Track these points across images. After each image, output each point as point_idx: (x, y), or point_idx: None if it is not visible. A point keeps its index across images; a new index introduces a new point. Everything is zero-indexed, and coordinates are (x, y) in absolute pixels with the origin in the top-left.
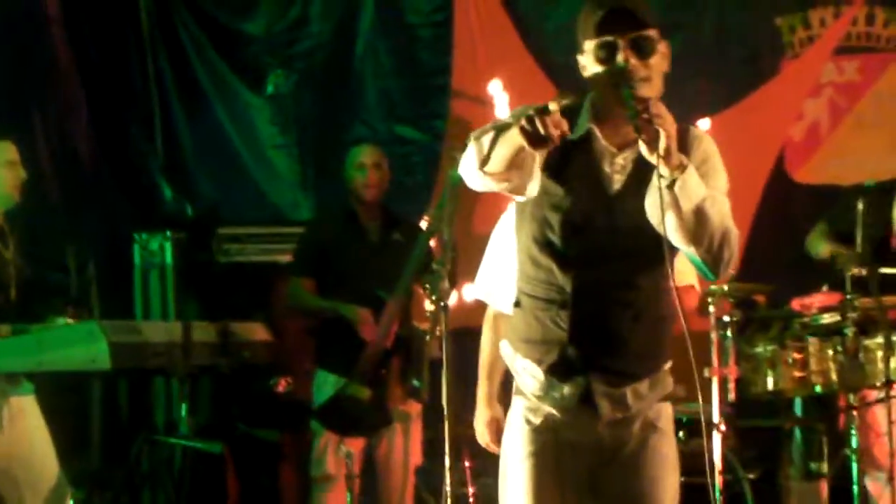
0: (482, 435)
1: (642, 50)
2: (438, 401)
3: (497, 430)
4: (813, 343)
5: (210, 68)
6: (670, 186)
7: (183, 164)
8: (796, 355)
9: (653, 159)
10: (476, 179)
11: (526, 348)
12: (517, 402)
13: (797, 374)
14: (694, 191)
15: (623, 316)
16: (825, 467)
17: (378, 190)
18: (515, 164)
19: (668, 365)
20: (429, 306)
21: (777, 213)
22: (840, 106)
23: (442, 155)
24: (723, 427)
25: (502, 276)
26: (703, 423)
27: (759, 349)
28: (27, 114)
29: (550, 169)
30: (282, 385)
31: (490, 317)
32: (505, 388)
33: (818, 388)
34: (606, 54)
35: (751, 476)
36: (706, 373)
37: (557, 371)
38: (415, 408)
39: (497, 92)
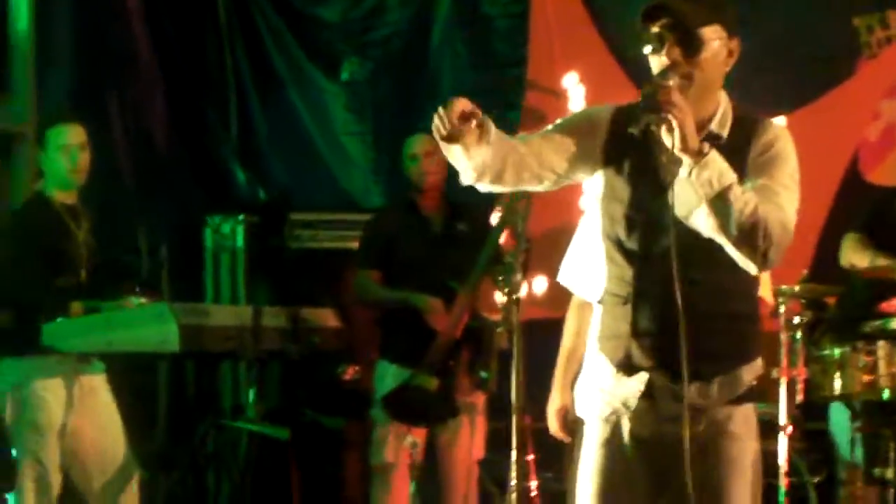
0: (552, 422)
1: (683, 44)
2: (505, 393)
3: (563, 419)
4: (883, 347)
5: (285, 54)
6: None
7: (257, 149)
8: (866, 358)
9: (672, 149)
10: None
11: (600, 343)
12: (594, 397)
13: (866, 377)
14: (714, 175)
15: (684, 313)
16: (890, 473)
17: (435, 178)
18: (486, 163)
19: (747, 367)
20: (500, 298)
21: (851, 214)
22: None
23: None
24: (790, 429)
25: (587, 265)
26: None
27: (828, 351)
28: (103, 97)
29: (612, 163)
30: (349, 373)
31: (574, 305)
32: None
33: (886, 393)
34: (653, 44)
35: (816, 479)
36: (774, 373)
37: (623, 366)
38: (481, 399)
39: (572, 85)
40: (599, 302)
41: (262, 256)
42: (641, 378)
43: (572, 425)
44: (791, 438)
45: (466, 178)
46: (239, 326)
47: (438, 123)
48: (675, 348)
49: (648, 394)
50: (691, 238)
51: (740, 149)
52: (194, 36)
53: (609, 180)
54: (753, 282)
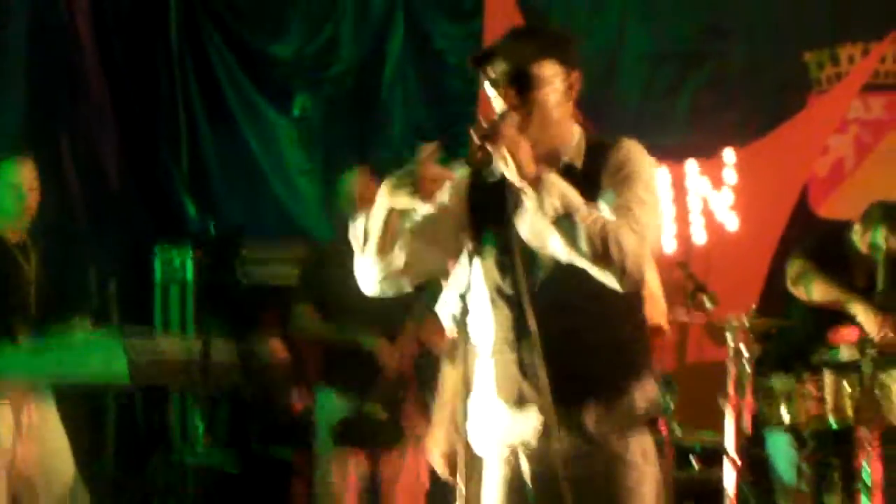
0: (439, 465)
1: (515, 84)
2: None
3: (452, 462)
4: (829, 377)
5: (237, 89)
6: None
7: (208, 182)
8: (812, 389)
9: (510, 179)
10: (372, 276)
11: (497, 390)
12: (490, 446)
13: (813, 407)
14: (558, 200)
15: (563, 339)
16: (836, 501)
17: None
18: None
19: (639, 392)
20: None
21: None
22: (865, 142)
23: None
24: (737, 459)
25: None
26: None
27: (775, 382)
28: (55, 128)
29: (478, 216)
30: (299, 405)
31: (450, 347)
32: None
33: (834, 423)
34: (491, 87)
35: None
36: (721, 404)
37: (517, 405)
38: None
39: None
40: (492, 349)
41: (213, 291)
42: (536, 415)
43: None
44: (739, 468)
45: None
46: (189, 361)
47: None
48: (562, 377)
49: (545, 430)
50: (564, 269)
51: (595, 173)
52: (146, 69)
53: (477, 230)
54: (635, 307)
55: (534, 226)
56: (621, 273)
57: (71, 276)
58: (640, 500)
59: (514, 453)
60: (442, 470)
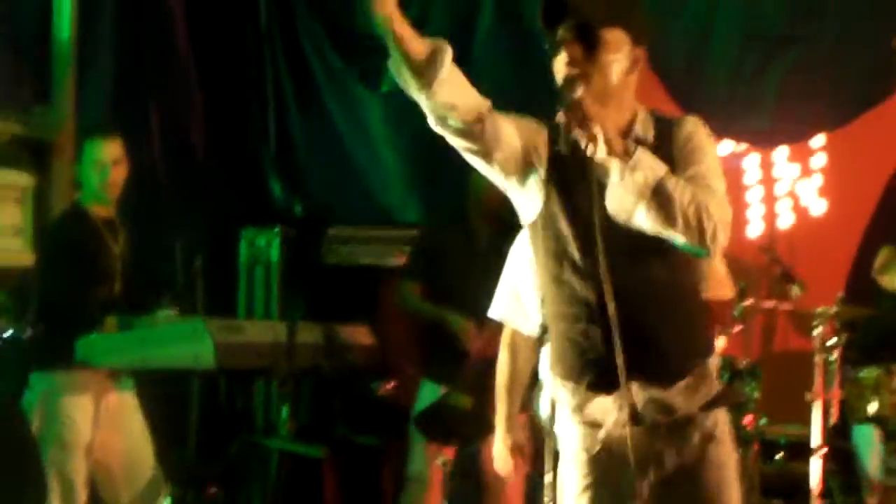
0: (504, 462)
1: (582, 42)
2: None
3: (521, 457)
4: None
5: (326, 65)
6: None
7: (294, 160)
8: None
9: (599, 155)
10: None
11: (564, 370)
12: (570, 431)
13: None
14: (648, 172)
15: (651, 316)
16: None
17: (497, 200)
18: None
19: (711, 362)
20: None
21: (890, 232)
22: None
23: None
24: (823, 451)
25: (519, 296)
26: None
27: (863, 374)
28: (144, 105)
29: (552, 180)
30: (383, 389)
31: (507, 337)
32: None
33: None
34: (551, 47)
35: (849, 502)
36: (808, 396)
37: (598, 385)
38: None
39: None
40: (546, 333)
41: (298, 270)
42: (622, 393)
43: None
44: (823, 460)
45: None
46: (273, 343)
47: None
48: (649, 353)
49: (633, 408)
50: (641, 239)
51: (664, 147)
52: (235, 44)
53: (550, 198)
54: (699, 281)
55: (622, 200)
56: (711, 241)
57: (157, 252)
58: (733, 475)
59: (608, 442)
60: (508, 468)
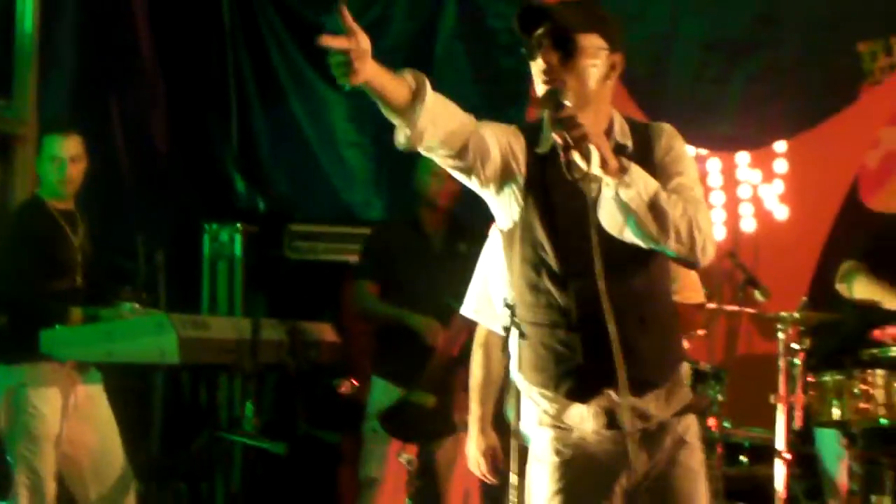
0: (478, 464)
1: (559, 48)
2: (503, 412)
3: (493, 459)
4: (880, 375)
5: (289, 62)
6: (617, 191)
7: (257, 157)
8: (862, 386)
9: (593, 172)
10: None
11: (540, 378)
12: (542, 434)
13: (863, 405)
14: (642, 187)
15: (630, 324)
16: (887, 501)
17: (452, 199)
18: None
19: (683, 370)
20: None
21: (850, 240)
22: None
23: None
24: (787, 455)
25: (490, 297)
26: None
27: (826, 378)
28: (105, 100)
29: (531, 188)
30: (345, 386)
31: (480, 337)
32: (497, 416)
33: (883, 421)
34: (528, 52)
35: None
36: (772, 399)
37: (577, 393)
38: None
39: None
40: (522, 338)
41: (261, 266)
42: (600, 401)
43: (500, 464)
44: (787, 464)
45: (401, 136)
46: (238, 339)
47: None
48: (628, 362)
49: (610, 415)
50: (620, 250)
51: (645, 155)
52: (197, 42)
53: (528, 206)
54: (669, 288)
55: (615, 215)
56: (702, 253)
57: (119, 247)
58: (702, 481)
59: (581, 446)
60: (482, 470)
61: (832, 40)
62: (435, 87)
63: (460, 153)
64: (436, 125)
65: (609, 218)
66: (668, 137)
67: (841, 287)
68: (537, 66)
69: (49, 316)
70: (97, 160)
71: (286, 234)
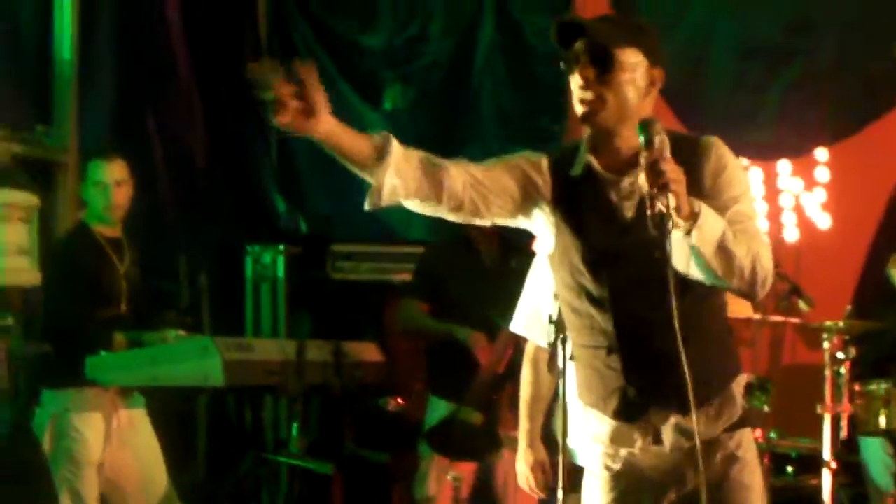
0: (526, 479)
1: (597, 63)
2: (551, 430)
3: (543, 474)
4: None
5: (326, 80)
6: (688, 234)
7: (297, 177)
8: None
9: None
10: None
11: (589, 397)
12: (594, 448)
13: None
14: (711, 231)
15: (671, 343)
16: None
17: None
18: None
19: (735, 384)
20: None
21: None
22: None
23: None
24: (833, 464)
25: (540, 314)
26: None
27: (873, 386)
28: (144, 124)
29: (560, 213)
30: (392, 405)
31: (530, 353)
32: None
33: None
34: (565, 66)
35: None
36: (818, 409)
37: (622, 414)
38: None
39: None
40: (571, 358)
41: (304, 287)
42: (646, 421)
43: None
44: (833, 473)
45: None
46: (283, 361)
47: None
48: (671, 381)
49: (656, 434)
50: (657, 267)
51: (692, 173)
52: (235, 61)
53: (561, 230)
54: (724, 299)
55: (682, 254)
56: (762, 287)
57: (162, 270)
58: (758, 495)
59: (626, 464)
60: (530, 485)
61: (869, 45)
62: (474, 100)
63: (458, 210)
64: (406, 181)
65: (678, 257)
66: (719, 156)
67: (893, 272)
68: (575, 81)
69: (92, 343)
70: (138, 183)
71: (329, 255)
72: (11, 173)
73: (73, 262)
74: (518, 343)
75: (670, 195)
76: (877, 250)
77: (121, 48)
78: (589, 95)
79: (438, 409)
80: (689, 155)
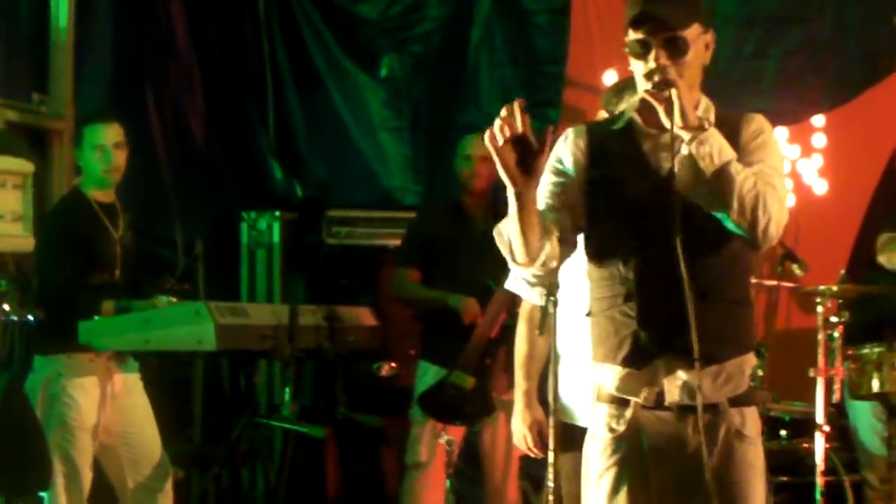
0: (523, 438)
1: (668, 48)
2: (543, 392)
3: (539, 434)
4: None
5: (324, 49)
6: (689, 143)
7: (294, 144)
8: None
9: (668, 123)
10: (526, 279)
11: (602, 350)
12: (599, 410)
13: None
14: (716, 151)
15: (690, 296)
16: None
17: (485, 181)
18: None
19: (745, 358)
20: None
21: (890, 212)
22: None
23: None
24: (826, 428)
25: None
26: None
27: (866, 350)
28: (142, 91)
29: (596, 162)
30: (385, 370)
31: (525, 311)
32: (541, 391)
33: None
34: (637, 51)
35: (853, 478)
36: (811, 373)
37: (632, 360)
38: None
39: (612, 82)
40: (589, 315)
41: (299, 252)
42: (652, 369)
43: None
44: (827, 437)
45: (518, 255)
46: (276, 325)
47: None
48: (683, 332)
49: (660, 394)
50: (695, 223)
51: (731, 137)
52: (233, 30)
53: (593, 179)
54: (749, 269)
55: (684, 173)
56: (762, 233)
57: (157, 236)
58: (760, 474)
59: (634, 424)
60: (526, 445)
61: (867, 13)
62: (471, 68)
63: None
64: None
65: (680, 177)
66: (758, 125)
67: (881, 258)
68: (645, 67)
69: (85, 309)
70: (135, 151)
71: (324, 220)
72: (6, 140)
73: (66, 228)
74: (511, 307)
75: (674, 94)
76: (872, 216)
77: (119, 17)
78: (660, 77)
79: (427, 375)
80: (732, 123)
